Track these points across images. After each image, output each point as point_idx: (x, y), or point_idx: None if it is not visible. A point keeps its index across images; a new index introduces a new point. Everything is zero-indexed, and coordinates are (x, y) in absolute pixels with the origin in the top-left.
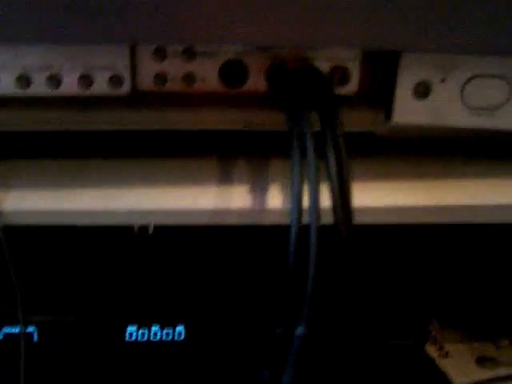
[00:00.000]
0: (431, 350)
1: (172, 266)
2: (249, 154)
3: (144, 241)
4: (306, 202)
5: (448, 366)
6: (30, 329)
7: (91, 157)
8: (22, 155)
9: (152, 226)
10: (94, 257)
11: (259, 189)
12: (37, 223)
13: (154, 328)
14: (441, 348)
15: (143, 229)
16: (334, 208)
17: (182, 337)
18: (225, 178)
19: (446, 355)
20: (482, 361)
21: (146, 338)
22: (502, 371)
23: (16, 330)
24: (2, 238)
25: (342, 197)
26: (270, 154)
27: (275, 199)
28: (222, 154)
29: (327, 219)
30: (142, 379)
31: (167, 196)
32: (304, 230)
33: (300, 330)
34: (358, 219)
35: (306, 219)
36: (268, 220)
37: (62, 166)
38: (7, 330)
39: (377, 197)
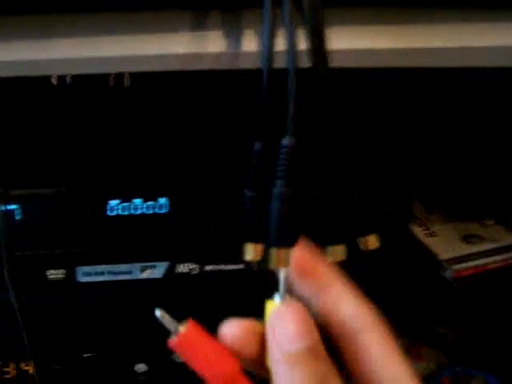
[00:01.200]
0: (417, 231)
1: (149, 130)
2: (223, 8)
3: (120, 95)
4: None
5: (434, 244)
6: (12, 206)
7: (65, 12)
8: None
9: (128, 77)
10: (69, 123)
11: (234, 34)
12: (14, 75)
13: (136, 201)
14: (427, 229)
15: (119, 82)
16: (312, 50)
17: (165, 209)
18: (199, 26)
19: (432, 235)
20: (467, 238)
21: (127, 211)
22: (486, 246)
23: None
24: None
25: (318, 38)
26: (245, 7)
27: (250, 43)
28: (197, 8)
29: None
30: (126, 253)
31: (141, 43)
32: (276, 73)
33: (286, 141)
34: (334, 63)
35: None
36: (243, 64)
37: (35, 20)
38: None
39: (352, 40)
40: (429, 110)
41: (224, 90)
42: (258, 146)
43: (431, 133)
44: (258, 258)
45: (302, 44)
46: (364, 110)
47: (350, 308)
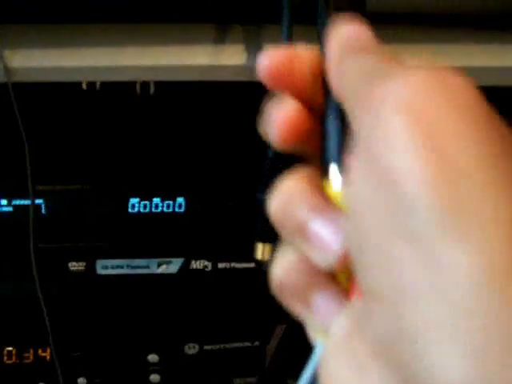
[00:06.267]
0: None
1: (171, 134)
2: (244, 23)
3: (145, 105)
4: None
5: None
6: (38, 201)
7: (95, 22)
8: (29, 20)
9: (152, 86)
10: (97, 125)
11: (254, 47)
12: (44, 80)
13: (155, 200)
14: None
15: (144, 89)
16: None
17: (183, 208)
18: (221, 39)
19: None
20: None
21: (148, 209)
22: None
23: (25, 202)
24: (12, 96)
25: None
26: (265, 21)
27: None
28: (219, 22)
29: None
30: (144, 249)
31: (166, 54)
32: None
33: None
34: None
35: None
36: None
37: (66, 29)
38: (16, 202)
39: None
40: None
41: (239, 99)
42: (271, 153)
43: None
44: (266, 257)
45: None
46: None
47: None
